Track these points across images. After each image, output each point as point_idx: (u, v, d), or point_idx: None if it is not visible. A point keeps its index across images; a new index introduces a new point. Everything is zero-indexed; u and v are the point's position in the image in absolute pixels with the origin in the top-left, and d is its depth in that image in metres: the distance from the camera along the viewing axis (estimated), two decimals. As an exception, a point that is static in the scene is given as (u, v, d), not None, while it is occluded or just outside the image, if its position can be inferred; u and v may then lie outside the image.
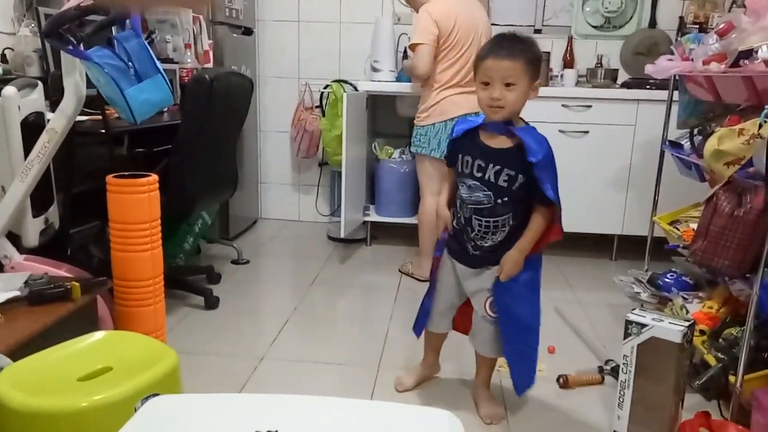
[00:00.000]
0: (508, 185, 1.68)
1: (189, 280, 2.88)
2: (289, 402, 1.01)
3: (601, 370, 2.20)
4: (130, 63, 1.73)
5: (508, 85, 1.62)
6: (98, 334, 1.45)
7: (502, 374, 2.09)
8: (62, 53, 1.77)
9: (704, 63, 2.30)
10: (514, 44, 1.64)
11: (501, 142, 1.70)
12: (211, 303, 2.71)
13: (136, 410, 1.27)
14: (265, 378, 2.14)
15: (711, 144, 1.78)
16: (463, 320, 1.96)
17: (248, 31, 3.92)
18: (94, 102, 2.14)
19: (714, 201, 1.84)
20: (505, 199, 1.69)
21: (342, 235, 3.38)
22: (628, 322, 1.76)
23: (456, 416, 0.99)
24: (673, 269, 2.55)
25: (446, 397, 2.03)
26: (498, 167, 1.68)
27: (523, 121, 1.73)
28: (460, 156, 1.76)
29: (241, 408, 0.98)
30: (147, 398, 1.30)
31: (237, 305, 2.78)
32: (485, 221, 1.73)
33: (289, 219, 4.31)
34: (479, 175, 1.71)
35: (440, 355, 2.10)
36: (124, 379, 1.28)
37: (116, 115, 2.20)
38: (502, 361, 1.95)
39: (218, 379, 2.11)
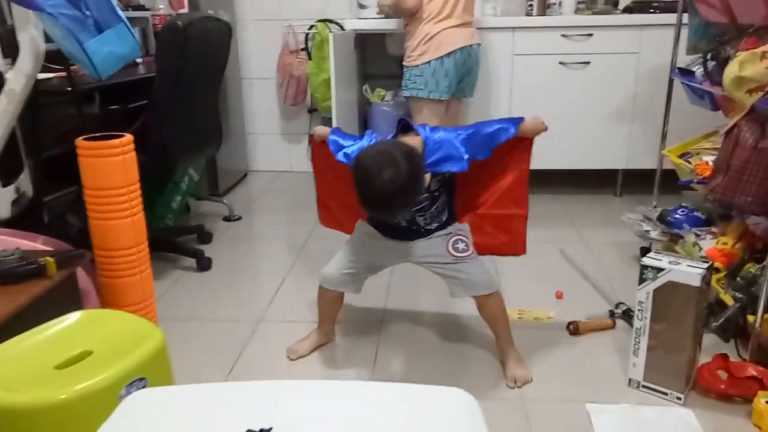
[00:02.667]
0: (440, 182, 1.72)
1: (179, 241, 2.77)
2: (285, 389, 0.91)
3: (612, 314, 2.12)
4: (87, 12, 1.55)
5: None
6: (75, 315, 1.33)
7: (521, 323, 2.05)
8: (12, 4, 1.59)
9: (717, -20, 2.12)
10: (387, 209, 1.60)
11: None
12: (204, 264, 2.60)
13: (120, 398, 1.18)
14: (264, 342, 2.05)
15: (731, 70, 1.63)
16: None
17: (224, -28, 3.67)
18: (58, 57, 1.96)
19: (735, 133, 1.70)
20: (441, 189, 1.73)
21: (336, 185, 3.25)
22: (644, 267, 1.66)
23: (469, 393, 0.90)
24: (684, 204, 2.43)
25: (447, 365, 1.95)
26: None
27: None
28: None
29: (231, 400, 0.88)
30: (132, 383, 1.21)
31: (231, 265, 2.67)
32: (429, 213, 1.74)
33: (281, 170, 4.16)
34: None
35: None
36: (106, 363, 1.18)
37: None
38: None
39: (215, 345, 2.02)
